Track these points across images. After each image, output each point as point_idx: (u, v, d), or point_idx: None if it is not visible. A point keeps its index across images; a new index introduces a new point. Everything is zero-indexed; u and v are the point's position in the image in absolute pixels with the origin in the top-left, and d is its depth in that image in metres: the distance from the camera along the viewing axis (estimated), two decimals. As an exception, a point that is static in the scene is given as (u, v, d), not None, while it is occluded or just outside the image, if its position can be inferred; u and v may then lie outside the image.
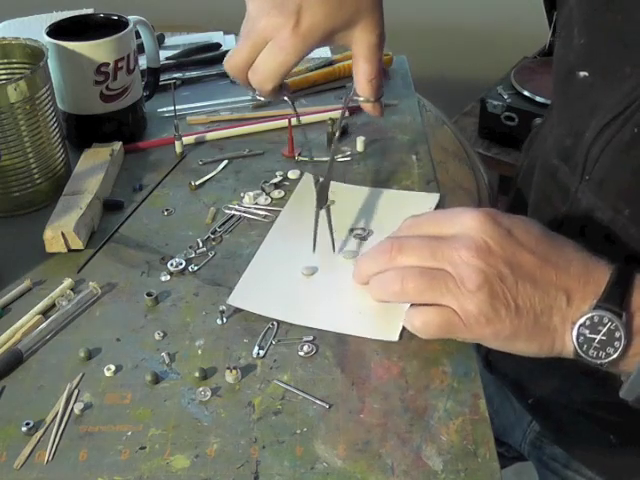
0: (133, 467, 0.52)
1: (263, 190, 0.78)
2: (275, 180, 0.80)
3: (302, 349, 0.60)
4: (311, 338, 0.61)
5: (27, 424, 0.54)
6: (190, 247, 0.71)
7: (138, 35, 0.87)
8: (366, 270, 0.61)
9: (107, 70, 0.82)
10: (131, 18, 0.84)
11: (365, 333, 0.61)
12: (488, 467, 0.51)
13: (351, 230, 0.71)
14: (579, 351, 0.54)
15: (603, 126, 0.64)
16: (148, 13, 0.93)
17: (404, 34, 1.59)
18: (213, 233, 0.73)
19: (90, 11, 1.04)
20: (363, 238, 0.70)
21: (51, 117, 0.77)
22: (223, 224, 0.74)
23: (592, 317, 0.54)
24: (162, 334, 0.62)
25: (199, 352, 0.60)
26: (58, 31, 0.82)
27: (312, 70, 0.99)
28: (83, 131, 0.86)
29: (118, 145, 0.83)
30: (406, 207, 0.73)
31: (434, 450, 0.52)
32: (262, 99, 0.68)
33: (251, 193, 0.77)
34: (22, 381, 0.59)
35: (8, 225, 0.76)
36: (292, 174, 0.81)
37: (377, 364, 0.59)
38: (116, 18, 0.85)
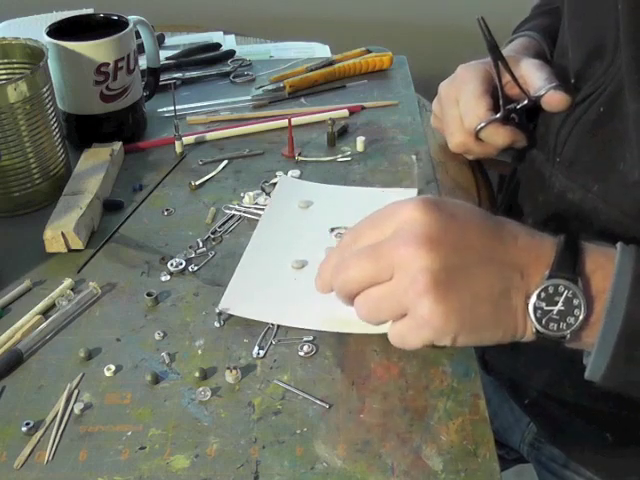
0: (133, 467, 0.52)
1: (263, 190, 0.78)
2: (275, 180, 0.80)
3: (302, 349, 0.60)
4: (311, 338, 0.61)
5: (27, 424, 0.54)
6: (190, 247, 0.71)
7: (138, 35, 0.87)
8: (323, 288, 0.57)
9: (107, 70, 0.82)
10: (131, 18, 0.84)
11: (357, 329, 0.60)
12: (488, 467, 0.51)
13: (332, 229, 0.71)
14: (538, 327, 0.51)
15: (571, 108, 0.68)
16: (148, 13, 0.92)
17: (404, 34, 1.59)
18: (213, 233, 0.73)
19: (90, 11, 1.05)
20: None
21: (51, 117, 0.77)
22: (223, 224, 0.74)
23: (546, 287, 0.51)
24: (162, 334, 0.62)
25: (199, 352, 0.60)
26: (58, 31, 0.82)
27: (312, 70, 0.99)
28: (83, 131, 0.86)
29: (118, 145, 0.83)
30: (386, 204, 0.73)
31: (434, 450, 0.52)
32: None
33: (251, 193, 0.77)
34: (22, 381, 0.59)
35: (8, 225, 0.76)
36: (292, 174, 0.81)
37: (377, 364, 0.59)
38: (116, 18, 0.85)
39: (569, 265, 0.51)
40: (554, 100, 0.70)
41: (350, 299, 0.55)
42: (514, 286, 0.52)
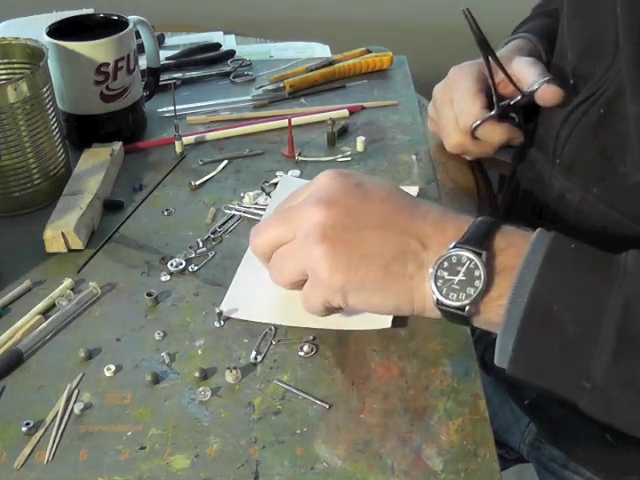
0: (133, 467, 0.52)
1: (263, 190, 0.78)
2: (275, 180, 0.80)
3: (302, 349, 0.60)
4: (311, 338, 0.61)
5: (27, 424, 0.54)
6: (190, 247, 0.71)
7: (138, 35, 0.87)
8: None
9: (107, 70, 0.82)
10: (131, 18, 0.84)
11: (358, 325, 0.60)
12: (488, 467, 0.51)
13: None
14: (438, 295, 0.51)
15: (571, 110, 0.68)
16: (148, 13, 0.92)
17: (404, 34, 1.59)
18: (213, 233, 0.73)
19: (90, 11, 1.05)
20: None
21: (51, 117, 0.77)
22: (223, 224, 0.74)
23: (450, 257, 0.51)
24: (162, 334, 0.62)
25: (199, 352, 0.60)
26: (58, 31, 0.82)
27: (312, 70, 0.99)
28: (83, 131, 0.86)
29: (118, 145, 0.83)
30: None
31: (434, 450, 0.52)
32: None
33: (251, 193, 0.77)
34: (22, 381, 0.59)
35: (8, 225, 0.76)
36: (292, 174, 0.81)
37: (377, 364, 0.59)
38: (116, 18, 0.85)
39: (477, 239, 0.51)
40: (547, 94, 0.70)
41: (266, 261, 0.60)
42: (410, 253, 0.53)
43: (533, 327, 0.49)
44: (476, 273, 0.50)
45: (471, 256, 0.50)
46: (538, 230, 0.52)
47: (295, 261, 0.56)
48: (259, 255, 0.60)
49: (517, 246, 0.51)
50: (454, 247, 0.51)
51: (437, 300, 0.52)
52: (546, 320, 0.48)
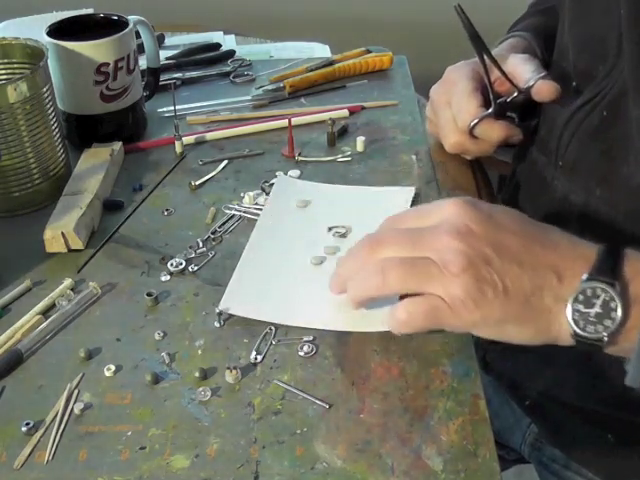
0: (133, 467, 0.52)
1: (263, 190, 0.78)
2: (275, 180, 0.80)
3: (302, 349, 0.60)
4: (311, 338, 0.61)
5: (27, 424, 0.54)
6: (190, 247, 0.71)
7: (138, 35, 0.87)
8: (345, 272, 0.58)
9: (107, 70, 0.82)
10: (131, 18, 0.84)
11: (359, 327, 0.60)
12: (488, 467, 0.51)
13: (330, 229, 0.71)
14: (576, 329, 0.52)
15: (574, 111, 0.68)
16: (148, 13, 0.92)
17: (404, 34, 1.59)
18: (213, 233, 0.73)
19: (90, 11, 1.05)
20: (343, 235, 0.70)
21: (51, 117, 0.77)
22: (223, 224, 0.74)
23: (584, 290, 0.51)
24: (162, 334, 0.62)
25: (199, 352, 0.60)
26: (58, 31, 0.82)
27: (312, 70, 0.99)
28: (83, 131, 0.86)
29: (118, 145, 0.83)
30: (383, 202, 0.74)
31: (434, 450, 0.52)
32: None
33: (251, 193, 0.77)
34: (22, 381, 0.59)
35: (8, 225, 0.76)
36: (292, 174, 0.81)
37: (377, 364, 0.59)
38: (116, 18, 0.85)
39: (608, 269, 0.52)
40: (543, 89, 0.71)
41: (375, 274, 0.55)
42: (547, 286, 0.53)
43: None
44: (612, 305, 0.51)
45: (606, 288, 0.51)
46: None
47: (423, 280, 0.53)
48: (372, 268, 0.55)
49: None
50: (587, 280, 0.52)
51: (575, 332, 0.52)
52: None
